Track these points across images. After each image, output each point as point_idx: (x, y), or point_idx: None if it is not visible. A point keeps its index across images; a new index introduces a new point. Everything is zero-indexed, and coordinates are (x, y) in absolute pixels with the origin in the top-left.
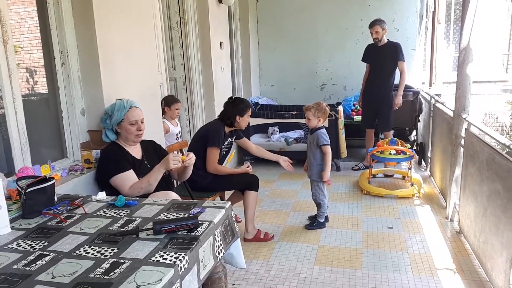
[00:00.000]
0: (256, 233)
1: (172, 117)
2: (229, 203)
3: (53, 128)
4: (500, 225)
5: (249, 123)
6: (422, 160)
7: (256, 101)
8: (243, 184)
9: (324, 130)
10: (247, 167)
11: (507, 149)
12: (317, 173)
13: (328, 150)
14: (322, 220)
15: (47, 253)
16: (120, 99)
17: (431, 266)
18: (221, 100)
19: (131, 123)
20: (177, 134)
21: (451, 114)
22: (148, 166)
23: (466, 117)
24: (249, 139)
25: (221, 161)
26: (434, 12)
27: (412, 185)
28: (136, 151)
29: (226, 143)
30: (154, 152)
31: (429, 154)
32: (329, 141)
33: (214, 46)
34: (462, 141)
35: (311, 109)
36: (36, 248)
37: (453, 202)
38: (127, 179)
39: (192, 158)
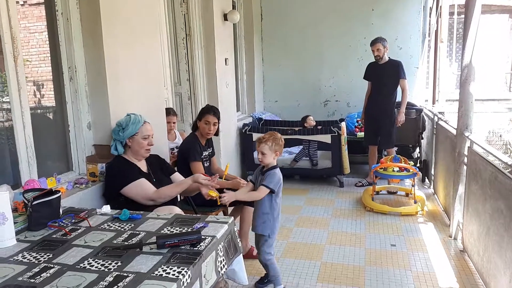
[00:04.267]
0: (249, 250)
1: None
2: (232, 218)
3: (59, 142)
4: (503, 244)
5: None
6: (426, 177)
7: (260, 117)
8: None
9: (278, 171)
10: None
11: (510, 168)
12: (262, 224)
13: (263, 193)
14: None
15: (52, 266)
16: (134, 114)
17: (435, 285)
18: (226, 115)
19: (144, 137)
20: (172, 149)
21: (454, 132)
22: (154, 180)
23: (469, 135)
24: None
25: (206, 174)
26: (436, 31)
27: (415, 202)
28: (141, 165)
29: (206, 154)
30: (159, 167)
31: (432, 172)
32: (275, 188)
33: (219, 62)
34: (465, 159)
35: (267, 141)
36: (41, 261)
37: (456, 220)
38: (145, 184)
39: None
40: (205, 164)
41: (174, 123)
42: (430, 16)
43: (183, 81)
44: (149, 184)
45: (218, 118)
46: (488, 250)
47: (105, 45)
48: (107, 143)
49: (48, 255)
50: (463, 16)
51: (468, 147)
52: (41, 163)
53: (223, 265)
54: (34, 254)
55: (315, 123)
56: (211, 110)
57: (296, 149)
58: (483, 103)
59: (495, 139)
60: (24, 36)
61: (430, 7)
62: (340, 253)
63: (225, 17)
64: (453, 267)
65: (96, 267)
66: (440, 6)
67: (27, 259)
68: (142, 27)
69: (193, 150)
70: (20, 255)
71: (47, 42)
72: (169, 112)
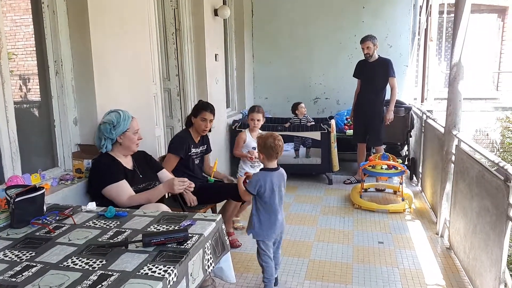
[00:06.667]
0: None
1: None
2: (220, 216)
3: (44, 137)
4: (489, 242)
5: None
6: (414, 175)
7: None
8: (228, 195)
9: (261, 176)
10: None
11: (496, 167)
12: (249, 224)
13: (246, 198)
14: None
15: (34, 264)
16: (121, 110)
17: (421, 282)
18: (215, 112)
19: (134, 132)
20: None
21: (442, 130)
22: (140, 176)
23: (457, 133)
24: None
25: (195, 170)
26: (426, 30)
27: (403, 200)
28: (127, 162)
29: (197, 151)
30: (145, 162)
31: (420, 170)
32: (255, 191)
33: (209, 58)
34: (453, 158)
35: (257, 140)
36: (23, 259)
37: (443, 218)
38: (122, 189)
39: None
40: (196, 162)
41: (258, 120)
42: (420, 15)
43: (172, 77)
44: (126, 189)
45: (214, 115)
46: (474, 247)
47: (92, 39)
48: (94, 140)
49: (30, 253)
50: (452, 15)
51: (456, 145)
52: (25, 159)
53: (211, 263)
54: (16, 252)
55: (306, 110)
56: (207, 107)
57: (287, 146)
58: (470, 102)
59: (482, 138)
60: (10, 29)
61: (420, 6)
62: (328, 250)
63: (216, 13)
64: (439, 265)
65: (80, 266)
66: (430, 5)
67: (9, 258)
68: (131, 21)
69: (179, 143)
70: (2, 253)
71: (34, 35)
72: (256, 109)
